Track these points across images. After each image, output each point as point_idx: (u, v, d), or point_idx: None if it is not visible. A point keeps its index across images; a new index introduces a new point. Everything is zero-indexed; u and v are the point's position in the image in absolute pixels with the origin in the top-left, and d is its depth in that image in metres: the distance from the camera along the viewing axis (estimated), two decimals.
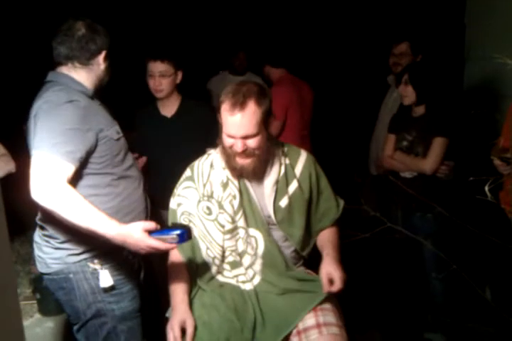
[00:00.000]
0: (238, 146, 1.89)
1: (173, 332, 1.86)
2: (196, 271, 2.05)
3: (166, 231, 1.73)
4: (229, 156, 1.95)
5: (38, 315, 3.41)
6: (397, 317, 3.12)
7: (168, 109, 2.90)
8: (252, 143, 1.90)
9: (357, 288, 3.26)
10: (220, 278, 2.06)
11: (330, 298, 1.97)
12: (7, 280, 0.73)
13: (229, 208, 2.00)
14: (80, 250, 1.92)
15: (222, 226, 2.01)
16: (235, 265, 2.04)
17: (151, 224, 1.73)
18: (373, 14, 5.14)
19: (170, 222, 2.08)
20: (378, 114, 3.61)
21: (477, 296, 1.61)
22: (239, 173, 1.99)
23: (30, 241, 4.18)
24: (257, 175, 2.01)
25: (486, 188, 1.47)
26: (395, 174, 2.87)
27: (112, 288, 1.95)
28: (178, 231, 1.71)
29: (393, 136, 2.95)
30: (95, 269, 1.93)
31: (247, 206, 2.02)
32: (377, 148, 3.56)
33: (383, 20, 4.95)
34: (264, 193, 2.03)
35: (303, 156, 2.12)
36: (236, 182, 2.01)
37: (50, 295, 3.33)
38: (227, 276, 2.06)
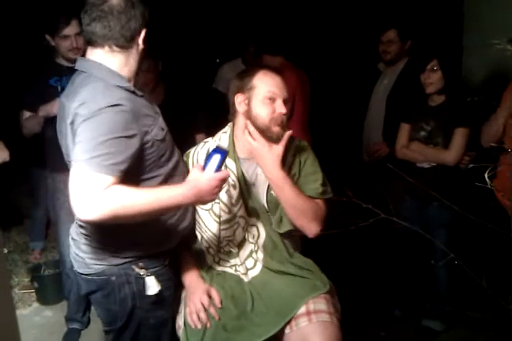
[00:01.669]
0: (281, 107, 1.92)
1: (198, 303, 1.90)
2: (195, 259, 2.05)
3: (207, 160, 1.69)
4: (263, 128, 1.93)
5: (36, 304, 3.41)
6: (395, 305, 3.14)
7: (154, 98, 2.90)
8: (287, 110, 1.95)
9: (355, 276, 3.28)
10: (217, 267, 2.06)
11: (325, 285, 1.97)
12: None
13: (225, 198, 1.98)
14: (124, 251, 1.75)
15: (218, 216, 1.99)
16: (232, 255, 2.04)
17: (199, 165, 1.70)
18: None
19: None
20: (369, 101, 3.58)
21: (476, 284, 1.62)
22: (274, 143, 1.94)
23: (27, 231, 4.23)
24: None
25: (486, 175, 1.46)
26: (410, 164, 2.83)
27: (155, 295, 1.80)
28: (214, 152, 1.68)
29: (407, 126, 2.88)
30: (139, 274, 1.77)
31: (246, 195, 2.00)
32: (369, 136, 3.55)
33: (377, 6, 4.90)
34: (259, 181, 2.01)
35: (294, 144, 2.09)
36: (235, 171, 1.99)
37: (48, 284, 3.35)
38: (225, 265, 2.05)
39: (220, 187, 1.69)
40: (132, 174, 1.62)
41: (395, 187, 3.18)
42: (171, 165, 1.79)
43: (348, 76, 4.25)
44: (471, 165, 1.65)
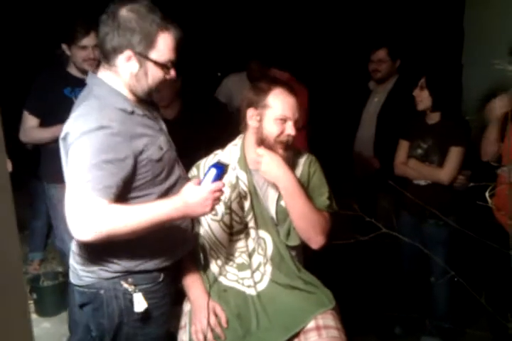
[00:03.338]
0: (291, 128, 1.93)
1: (204, 322, 1.90)
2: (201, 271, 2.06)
3: (205, 175, 1.69)
4: (269, 147, 1.96)
5: (34, 316, 3.38)
6: (394, 322, 3.12)
7: (170, 112, 2.91)
8: (296, 131, 1.95)
9: (355, 293, 3.27)
10: (223, 280, 2.06)
11: (331, 301, 1.98)
12: (16, 281, 0.73)
13: (237, 208, 2.00)
14: (113, 266, 1.75)
15: (229, 227, 2.01)
16: (243, 267, 2.04)
17: (194, 181, 1.68)
18: (368, 17, 5.13)
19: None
20: (360, 119, 3.60)
21: (476, 301, 1.62)
22: None
23: (26, 241, 4.21)
24: None
25: (487, 194, 1.47)
26: (407, 181, 2.85)
27: (143, 312, 1.78)
28: (212, 167, 1.68)
29: (406, 143, 2.91)
30: (127, 290, 1.75)
31: (256, 207, 2.02)
32: (360, 152, 3.57)
33: (367, 24, 4.95)
34: (269, 193, 2.03)
35: (303, 157, 2.12)
36: (247, 182, 2.01)
37: (46, 295, 3.33)
38: (232, 279, 2.05)
39: (212, 200, 1.66)
40: (124, 192, 1.65)
41: (384, 201, 3.20)
42: (168, 183, 1.80)
43: (339, 95, 4.29)
44: (471, 184, 1.67)
